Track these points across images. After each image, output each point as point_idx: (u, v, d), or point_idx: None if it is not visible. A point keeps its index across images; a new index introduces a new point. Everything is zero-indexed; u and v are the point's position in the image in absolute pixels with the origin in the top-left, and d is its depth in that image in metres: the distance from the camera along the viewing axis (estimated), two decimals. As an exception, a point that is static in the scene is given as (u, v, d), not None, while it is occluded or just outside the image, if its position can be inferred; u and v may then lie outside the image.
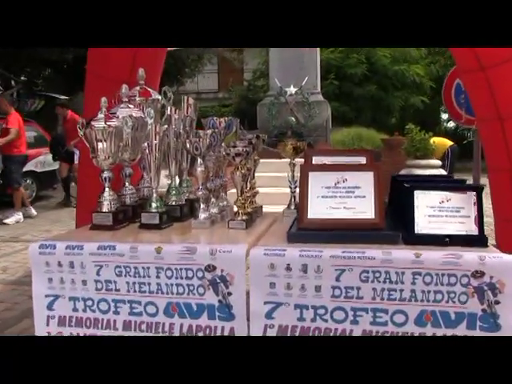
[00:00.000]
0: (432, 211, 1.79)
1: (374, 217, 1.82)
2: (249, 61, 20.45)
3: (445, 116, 23.23)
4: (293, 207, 2.42)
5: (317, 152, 2.32)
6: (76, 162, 8.51)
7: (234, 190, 2.15)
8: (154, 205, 2.15)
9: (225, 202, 2.48)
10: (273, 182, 7.24)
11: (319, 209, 1.85)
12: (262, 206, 2.50)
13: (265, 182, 7.57)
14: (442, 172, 7.58)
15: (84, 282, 1.86)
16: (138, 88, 2.51)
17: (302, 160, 2.28)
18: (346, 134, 10.47)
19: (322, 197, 1.87)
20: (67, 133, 8.95)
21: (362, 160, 2.14)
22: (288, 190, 2.46)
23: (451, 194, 1.79)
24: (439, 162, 7.50)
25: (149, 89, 2.53)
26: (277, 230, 2.13)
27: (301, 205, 1.88)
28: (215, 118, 2.41)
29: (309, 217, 1.85)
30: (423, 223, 1.79)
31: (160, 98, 2.52)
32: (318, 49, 12.06)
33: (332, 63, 14.85)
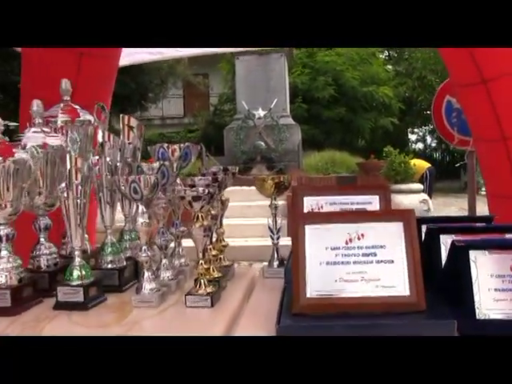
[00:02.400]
0: (500, 283, 1.16)
1: (409, 293, 1.18)
2: (214, 85, 20.01)
3: (413, 137, 23.24)
4: (276, 264, 1.77)
5: (308, 189, 1.67)
6: None
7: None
8: (75, 273, 1.46)
9: (182, 260, 1.81)
10: (242, 212, 6.59)
11: (324, 282, 1.20)
12: (233, 264, 1.83)
13: (232, 212, 6.94)
14: (425, 196, 7.10)
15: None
16: (60, 106, 1.83)
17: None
18: (319, 158, 9.97)
19: (328, 263, 1.21)
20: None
21: (374, 200, 1.51)
22: (267, 241, 1.81)
23: (527, 255, 1.16)
24: (421, 186, 7.04)
25: (76, 107, 1.86)
26: (258, 306, 1.46)
27: (294, 277, 1.22)
28: (166, 146, 1.75)
29: (308, 295, 1.19)
30: (487, 302, 1.15)
31: (92, 118, 1.85)
32: (287, 70, 11.68)
33: (299, 86, 14.56)
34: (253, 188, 1.88)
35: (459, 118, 4.41)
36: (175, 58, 11.80)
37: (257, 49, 9.83)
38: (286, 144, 9.87)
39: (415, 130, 22.14)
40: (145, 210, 1.49)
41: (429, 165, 8.85)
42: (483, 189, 5.13)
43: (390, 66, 19.07)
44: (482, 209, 4.82)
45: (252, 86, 10.87)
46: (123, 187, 1.44)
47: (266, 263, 1.83)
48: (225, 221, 1.90)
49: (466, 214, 6.40)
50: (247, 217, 6.23)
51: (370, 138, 16.51)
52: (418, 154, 16.62)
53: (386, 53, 20.43)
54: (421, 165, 8.44)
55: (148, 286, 1.48)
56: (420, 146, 23.28)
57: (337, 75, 15.06)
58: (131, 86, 14.03)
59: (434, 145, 22.32)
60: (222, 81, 17.61)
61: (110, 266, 1.65)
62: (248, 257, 5.32)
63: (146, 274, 1.49)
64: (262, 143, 9.28)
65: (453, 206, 11.21)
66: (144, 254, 1.48)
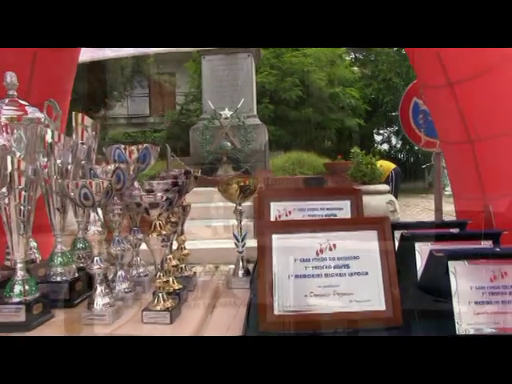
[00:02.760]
0: (480, 295, 1.08)
1: (384, 307, 1.08)
2: (181, 84, 19.74)
3: (378, 138, 23.47)
4: (241, 273, 1.66)
5: (275, 194, 1.56)
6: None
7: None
8: (17, 289, 1.31)
9: (141, 270, 1.68)
10: (208, 213, 6.44)
11: (293, 297, 1.09)
12: (195, 273, 1.71)
13: (199, 213, 6.77)
14: (391, 197, 7.10)
15: None
16: (5, 101, 1.68)
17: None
18: (286, 159, 9.90)
19: (297, 276, 1.11)
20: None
21: (346, 205, 1.42)
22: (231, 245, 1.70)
23: (508, 266, 1.08)
24: (387, 187, 7.04)
25: (24, 103, 1.70)
26: (222, 323, 1.34)
27: (261, 292, 1.11)
28: (123, 147, 1.61)
29: (276, 312, 1.08)
30: (467, 316, 1.06)
31: (42, 116, 1.70)
32: (254, 70, 11.57)
33: (266, 87, 14.49)
34: (215, 189, 1.76)
35: (426, 120, 4.39)
36: (138, 54, 11.58)
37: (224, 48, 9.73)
38: (253, 144, 9.76)
39: (381, 131, 22.37)
40: (97, 217, 1.36)
41: (395, 166, 8.89)
42: (447, 189, 5.14)
43: (356, 68, 19.20)
44: (445, 209, 4.83)
45: (219, 86, 10.74)
46: (72, 192, 1.31)
47: (232, 266, 1.71)
48: (190, 223, 1.78)
49: (431, 213, 6.43)
50: (213, 218, 6.10)
51: (337, 139, 16.58)
52: (384, 155, 16.79)
53: (353, 55, 20.57)
54: (387, 166, 8.47)
55: (101, 300, 1.35)
56: (385, 147, 23.53)
57: (304, 76, 15.05)
58: (94, 83, 13.68)
59: (398, 146, 22.60)
60: (188, 80, 17.37)
61: (59, 278, 1.51)
62: (214, 259, 5.19)
63: (99, 288, 1.36)
64: (229, 143, 9.14)
65: (417, 207, 11.34)
66: (96, 266, 1.35)
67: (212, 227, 5.98)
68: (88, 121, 1.70)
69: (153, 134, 17.97)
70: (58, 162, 1.55)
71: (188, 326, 1.31)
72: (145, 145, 1.65)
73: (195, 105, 16.10)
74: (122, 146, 1.62)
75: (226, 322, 1.31)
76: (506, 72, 3.11)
